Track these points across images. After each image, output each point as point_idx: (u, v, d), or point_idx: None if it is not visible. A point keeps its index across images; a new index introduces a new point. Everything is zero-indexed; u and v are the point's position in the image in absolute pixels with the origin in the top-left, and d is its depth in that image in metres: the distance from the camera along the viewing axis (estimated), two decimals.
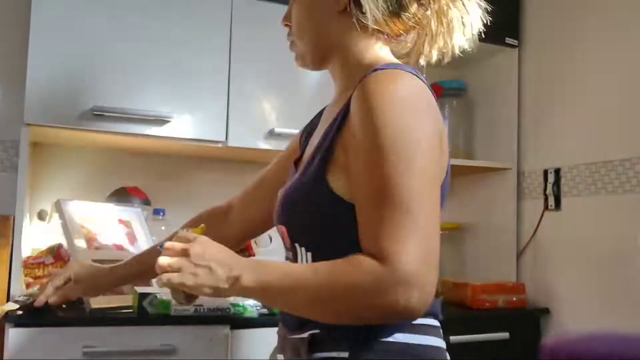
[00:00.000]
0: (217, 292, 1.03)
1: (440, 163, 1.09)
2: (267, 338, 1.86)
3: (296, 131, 2.19)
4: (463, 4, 1.21)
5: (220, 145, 2.16)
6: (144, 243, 2.06)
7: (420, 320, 1.09)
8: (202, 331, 1.82)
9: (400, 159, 1.01)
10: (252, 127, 2.18)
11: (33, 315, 1.69)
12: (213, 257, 1.03)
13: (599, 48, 2.32)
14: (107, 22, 2.01)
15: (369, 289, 0.98)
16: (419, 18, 1.20)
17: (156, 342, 1.75)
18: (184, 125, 2.08)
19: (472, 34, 1.24)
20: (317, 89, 2.28)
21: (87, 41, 1.99)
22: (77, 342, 1.68)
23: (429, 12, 1.20)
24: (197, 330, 1.82)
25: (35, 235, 2.21)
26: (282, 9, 2.21)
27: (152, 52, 2.06)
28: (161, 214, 2.29)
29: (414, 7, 1.18)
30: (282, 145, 2.20)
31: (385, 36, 1.21)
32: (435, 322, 1.16)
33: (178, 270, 1.01)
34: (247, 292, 1.04)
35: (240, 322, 1.87)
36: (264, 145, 2.20)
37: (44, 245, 2.13)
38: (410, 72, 1.12)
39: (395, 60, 1.23)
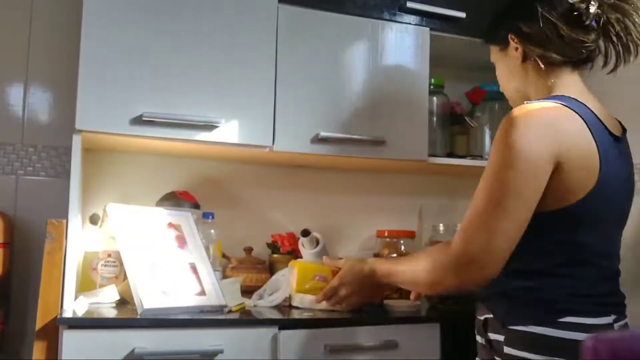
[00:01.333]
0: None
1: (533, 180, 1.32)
2: (316, 339, 1.88)
3: (342, 136, 2.21)
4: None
5: (267, 150, 2.17)
6: (193, 246, 2.09)
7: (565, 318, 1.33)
8: (250, 332, 1.83)
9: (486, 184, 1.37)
10: (298, 132, 2.19)
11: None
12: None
13: None
14: (156, 29, 2.04)
15: (439, 265, 1.41)
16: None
17: (205, 344, 1.77)
18: (231, 131, 2.10)
19: None
20: (362, 94, 2.28)
21: (136, 49, 2.02)
22: (130, 344, 1.71)
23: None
24: (245, 332, 1.83)
25: (88, 240, 2.25)
26: (327, 16, 2.25)
27: (200, 59, 2.08)
28: (210, 217, 2.31)
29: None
30: (327, 150, 2.21)
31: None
32: (580, 320, 1.34)
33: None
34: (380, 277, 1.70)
35: (288, 323, 1.88)
36: (309, 149, 2.20)
37: (96, 249, 2.18)
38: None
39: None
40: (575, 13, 1.43)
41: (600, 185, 1.33)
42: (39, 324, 1.80)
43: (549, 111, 1.35)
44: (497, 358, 1.44)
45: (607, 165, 1.34)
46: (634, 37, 1.44)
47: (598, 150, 1.33)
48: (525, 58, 1.52)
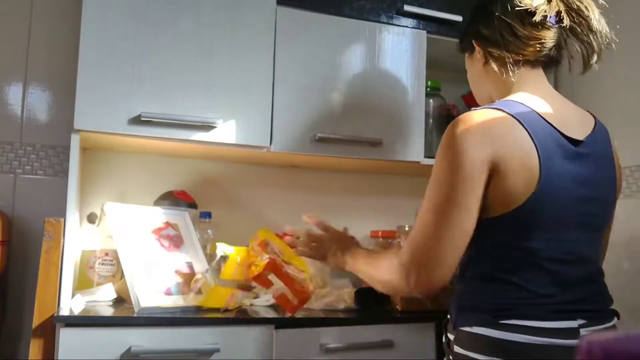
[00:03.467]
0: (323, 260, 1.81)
1: (471, 187, 1.34)
2: (312, 338, 1.89)
3: (339, 137, 2.22)
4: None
5: (264, 150, 2.18)
6: (190, 245, 2.10)
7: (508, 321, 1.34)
8: (247, 331, 1.84)
9: (429, 192, 1.40)
10: (296, 132, 2.20)
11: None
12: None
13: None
14: (154, 30, 2.05)
15: (389, 268, 1.44)
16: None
17: (202, 342, 1.78)
18: (229, 131, 2.11)
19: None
20: (359, 95, 2.30)
21: (135, 49, 2.03)
22: (126, 342, 1.72)
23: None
24: (242, 330, 1.84)
25: (85, 238, 2.26)
26: (325, 18, 2.26)
27: (198, 60, 2.10)
28: (207, 217, 2.32)
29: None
30: (324, 151, 2.23)
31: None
32: (525, 322, 1.34)
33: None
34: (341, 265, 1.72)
35: (284, 322, 1.90)
36: (307, 150, 2.21)
37: (93, 248, 2.19)
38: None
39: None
40: (526, 11, 1.45)
41: (542, 189, 1.33)
42: (35, 322, 1.81)
43: (485, 118, 1.37)
44: (450, 357, 1.47)
45: (551, 169, 1.34)
46: (596, 34, 1.46)
47: (538, 154, 1.33)
48: (486, 60, 1.55)
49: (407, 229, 2.44)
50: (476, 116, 1.38)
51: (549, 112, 1.42)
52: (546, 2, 1.45)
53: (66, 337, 1.70)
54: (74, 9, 2.16)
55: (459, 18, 2.41)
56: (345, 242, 1.78)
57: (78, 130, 1.99)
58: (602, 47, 1.48)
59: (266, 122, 2.16)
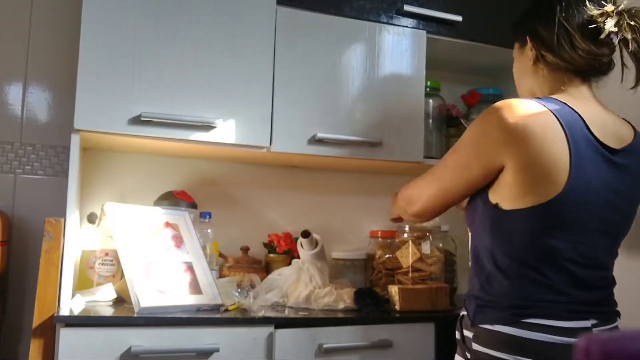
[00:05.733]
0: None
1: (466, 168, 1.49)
2: (311, 338, 1.90)
3: (338, 137, 2.22)
4: None
5: (264, 150, 2.18)
6: (190, 245, 2.10)
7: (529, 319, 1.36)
8: (246, 331, 1.85)
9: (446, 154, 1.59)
10: (296, 133, 2.20)
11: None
12: None
13: None
14: (155, 30, 2.05)
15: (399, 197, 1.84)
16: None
17: (201, 342, 1.79)
18: (229, 131, 2.11)
19: None
20: (359, 95, 2.30)
21: (135, 49, 2.03)
22: (126, 342, 1.72)
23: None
24: (241, 330, 1.85)
25: (85, 238, 2.27)
26: (325, 18, 2.27)
27: (198, 60, 2.10)
28: (207, 217, 2.32)
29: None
30: (324, 151, 2.23)
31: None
32: (545, 321, 1.35)
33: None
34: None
35: (284, 322, 1.90)
36: (306, 150, 2.21)
37: (93, 248, 2.19)
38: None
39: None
40: (591, 26, 1.44)
41: (569, 190, 1.33)
42: (35, 322, 1.81)
43: (527, 110, 1.37)
44: (467, 354, 1.47)
45: (581, 171, 1.34)
46: None
47: (570, 155, 1.34)
48: (536, 60, 1.54)
49: (406, 229, 2.44)
50: (518, 106, 1.38)
51: (589, 117, 1.41)
52: (615, 24, 1.43)
53: (66, 337, 1.70)
54: (74, 9, 2.16)
55: (458, 18, 2.41)
56: None
57: (78, 130, 1.99)
58: None
59: (266, 122, 2.16)
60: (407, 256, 2.21)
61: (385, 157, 2.32)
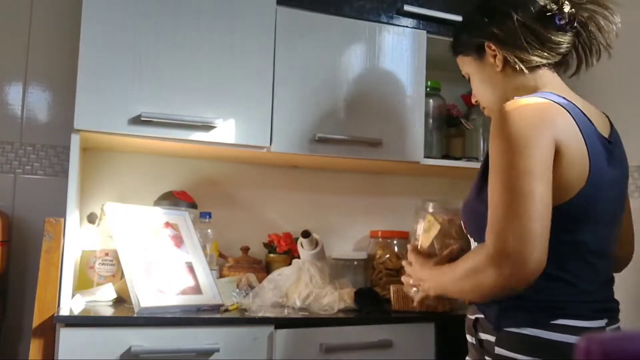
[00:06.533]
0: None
1: (539, 157, 1.27)
2: (311, 338, 1.90)
3: (338, 137, 2.22)
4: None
5: (264, 150, 2.18)
6: (190, 245, 2.10)
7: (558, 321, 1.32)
8: (246, 331, 1.85)
9: (497, 178, 1.29)
10: (296, 133, 2.20)
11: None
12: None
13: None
14: (155, 30, 2.05)
15: (476, 268, 1.29)
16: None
17: (202, 342, 1.79)
18: (229, 131, 2.11)
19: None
20: (359, 95, 2.30)
21: (135, 49, 2.03)
22: (126, 342, 1.72)
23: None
24: (241, 330, 1.85)
25: (85, 238, 2.27)
26: (325, 18, 2.27)
27: (199, 60, 2.10)
28: (207, 217, 2.32)
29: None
30: (324, 151, 2.23)
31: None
32: (573, 322, 1.32)
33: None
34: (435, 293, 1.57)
35: (284, 322, 1.90)
36: (306, 150, 2.21)
37: (93, 248, 2.19)
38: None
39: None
40: (548, 14, 1.44)
41: (591, 184, 1.32)
42: (36, 322, 1.81)
43: (541, 105, 1.34)
44: (487, 358, 1.43)
45: (597, 165, 1.34)
46: (602, 42, 1.47)
47: (587, 148, 1.33)
48: (504, 65, 1.51)
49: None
50: (526, 101, 1.34)
51: (583, 108, 1.41)
52: (571, 7, 1.44)
53: (66, 337, 1.70)
54: (74, 9, 2.16)
55: (459, 18, 2.41)
56: (426, 268, 1.64)
57: (78, 130, 1.99)
58: (601, 54, 1.49)
59: (266, 122, 2.16)
60: (429, 230, 1.89)
61: (385, 157, 2.32)
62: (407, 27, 2.40)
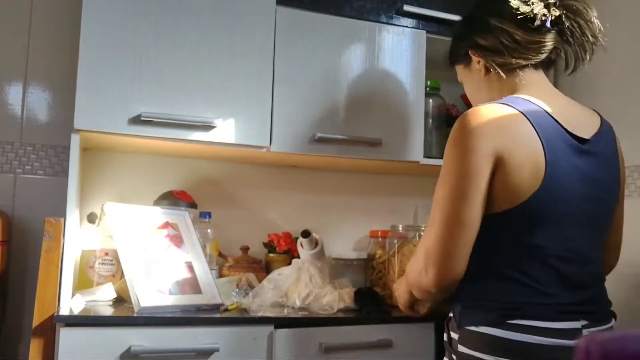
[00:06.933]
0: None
1: (475, 180, 1.37)
2: (311, 337, 1.90)
3: (338, 137, 2.22)
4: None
5: (264, 150, 2.18)
6: (190, 245, 2.10)
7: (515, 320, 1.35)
8: (246, 331, 1.85)
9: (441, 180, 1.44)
10: (295, 132, 2.20)
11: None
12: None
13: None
14: (155, 30, 2.05)
15: (411, 274, 1.52)
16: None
17: (201, 342, 1.79)
18: (228, 131, 2.11)
19: None
20: (359, 95, 2.30)
21: (135, 49, 2.03)
22: (126, 342, 1.72)
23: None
24: (241, 330, 1.85)
25: (85, 238, 2.27)
26: (325, 18, 2.27)
27: (198, 60, 2.10)
28: (207, 217, 2.32)
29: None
30: (324, 151, 2.23)
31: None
32: (532, 323, 1.35)
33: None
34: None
35: (284, 321, 1.90)
36: (306, 150, 2.21)
37: (93, 247, 2.19)
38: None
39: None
40: (522, 17, 1.47)
41: (547, 185, 1.35)
42: (35, 322, 1.81)
43: (492, 112, 1.39)
44: (453, 356, 1.48)
45: (557, 165, 1.36)
46: (588, 35, 1.50)
47: (544, 151, 1.35)
48: (487, 70, 1.57)
49: (400, 228, 2.43)
50: (483, 110, 1.40)
51: (555, 110, 1.43)
52: (543, 7, 1.48)
53: (66, 337, 1.70)
54: (74, 9, 2.16)
55: (458, 18, 2.41)
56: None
57: (78, 130, 1.99)
58: (594, 48, 1.51)
59: (266, 122, 2.16)
60: None
61: (385, 157, 2.32)
62: (406, 27, 2.40)
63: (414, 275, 1.48)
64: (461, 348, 1.42)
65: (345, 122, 2.27)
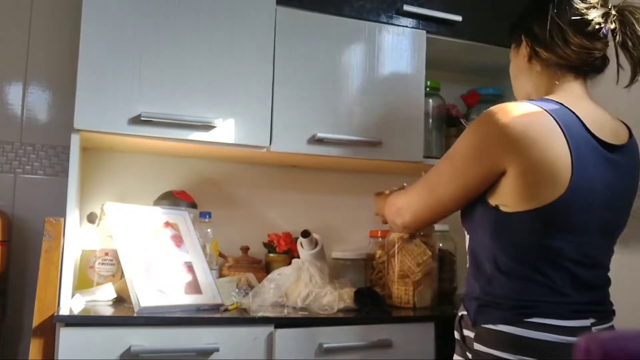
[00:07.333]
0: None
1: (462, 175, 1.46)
2: (311, 337, 1.90)
3: (338, 137, 2.22)
4: None
5: (264, 150, 2.18)
6: (190, 245, 2.10)
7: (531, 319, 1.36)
8: (246, 331, 1.85)
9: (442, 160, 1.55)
10: (295, 132, 2.20)
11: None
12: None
13: None
14: (155, 30, 2.05)
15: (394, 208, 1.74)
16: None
17: (201, 342, 1.79)
18: (228, 131, 2.11)
19: None
20: (359, 95, 2.30)
21: (135, 49, 2.03)
22: (126, 342, 1.72)
23: None
24: (241, 330, 1.85)
25: (85, 238, 2.27)
26: (325, 18, 2.27)
27: (198, 60, 2.10)
28: (207, 216, 2.32)
29: None
30: (324, 151, 2.23)
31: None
32: (548, 321, 1.35)
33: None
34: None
35: (284, 321, 1.90)
36: (306, 150, 2.22)
37: (93, 247, 2.19)
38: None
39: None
40: (581, 19, 1.45)
41: (572, 191, 1.34)
42: (35, 322, 1.81)
43: (523, 114, 1.37)
44: (468, 354, 1.47)
45: (583, 172, 1.35)
46: None
47: (571, 157, 1.34)
48: (530, 57, 1.56)
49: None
50: (515, 110, 1.38)
51: (586, 116, 1.42)
52: (601, 16, 1.46)
53: (66, 337, 1.70)
54: (74, 9, 2.16)
55: (458, 18, 2.42)
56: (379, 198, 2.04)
57: (78, 130, 1.99)
58: None
59: (266, 122, 2.16)
60: (421, 254, 2.21)
61: (385, 157, 2.32)
62: (406, 27, 2.40)
63: (392, 214, 1.75)
64: (477, 346, 1.42)
65: (345, 122, 2.27)
